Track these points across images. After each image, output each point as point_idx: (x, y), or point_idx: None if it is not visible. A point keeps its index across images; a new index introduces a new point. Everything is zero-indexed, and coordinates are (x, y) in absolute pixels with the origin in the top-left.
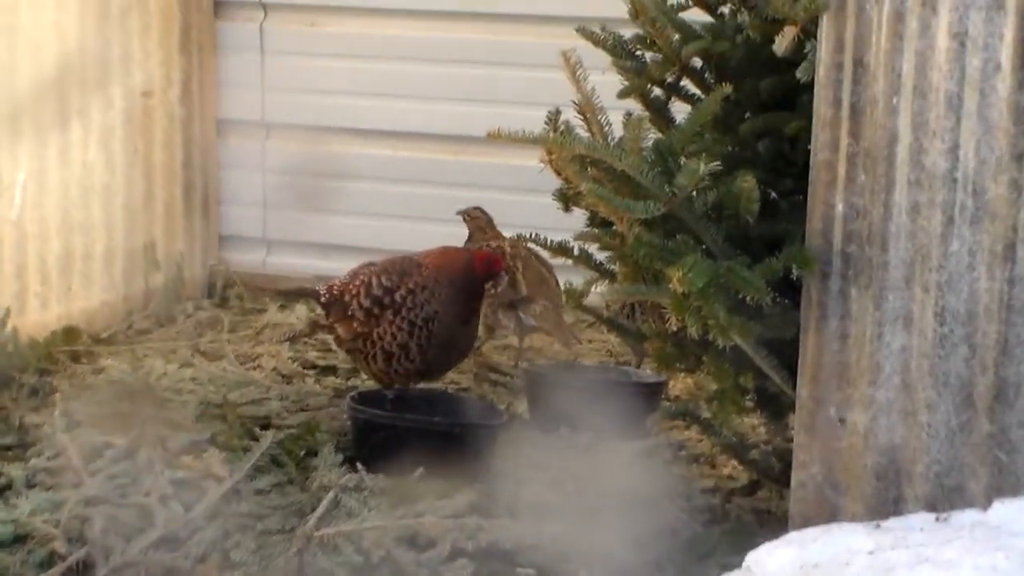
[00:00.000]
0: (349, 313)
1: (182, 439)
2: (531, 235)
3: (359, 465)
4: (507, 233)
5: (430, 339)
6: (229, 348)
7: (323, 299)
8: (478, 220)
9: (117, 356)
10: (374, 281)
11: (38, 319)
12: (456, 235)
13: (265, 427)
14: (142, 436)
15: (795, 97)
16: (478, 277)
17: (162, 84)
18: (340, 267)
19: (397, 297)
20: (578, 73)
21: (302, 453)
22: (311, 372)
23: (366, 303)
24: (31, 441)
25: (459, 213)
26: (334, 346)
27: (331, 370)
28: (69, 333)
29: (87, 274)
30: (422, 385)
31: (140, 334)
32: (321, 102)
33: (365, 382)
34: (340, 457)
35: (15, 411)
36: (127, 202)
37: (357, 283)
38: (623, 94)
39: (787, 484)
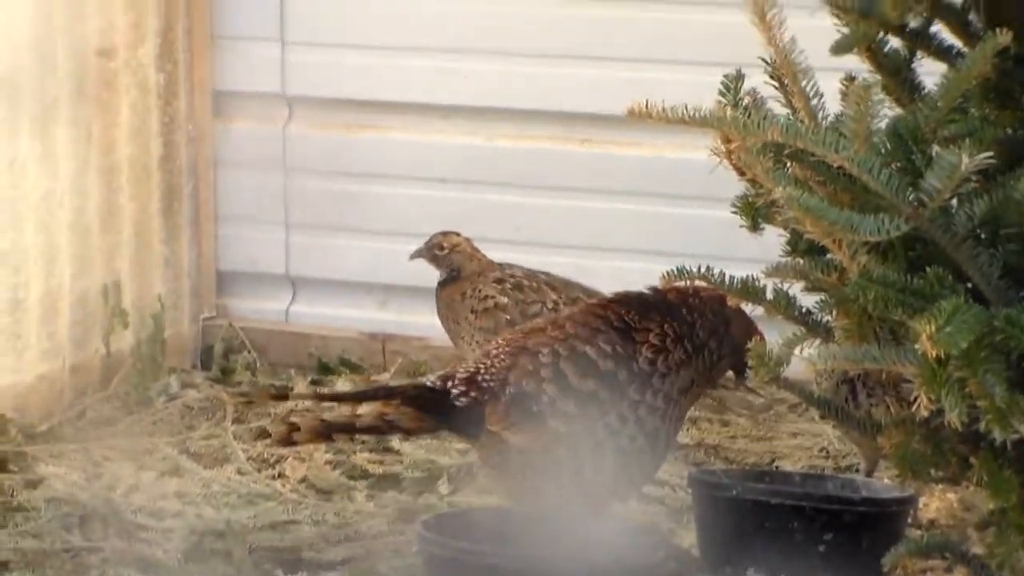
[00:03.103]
0: (536, 410)
1: None
2: (698, 268)
3: None
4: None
5: (678, 421)
6: (235, 447)
7: (459, 399)
8: (460, 247)
9: (62, 460)
10: (589, 351)
11: None
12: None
13: (292, 568)
14: None
15: None
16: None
17: (129, 37)
18: (408, 320)
19: (642, 364)
20: (771, 16)
21: None
22: (361, 484)
23: (589, 386)
24: None
25: (427, 247)
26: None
27: (391, 481)
28: None
29: (16, 332)
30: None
31: (98, 426)
32: (372, 64)
33: (446, 497)
34: None
35: None
36: (76, 220)
37: (540, 361)
38: (841, 48)
39: None
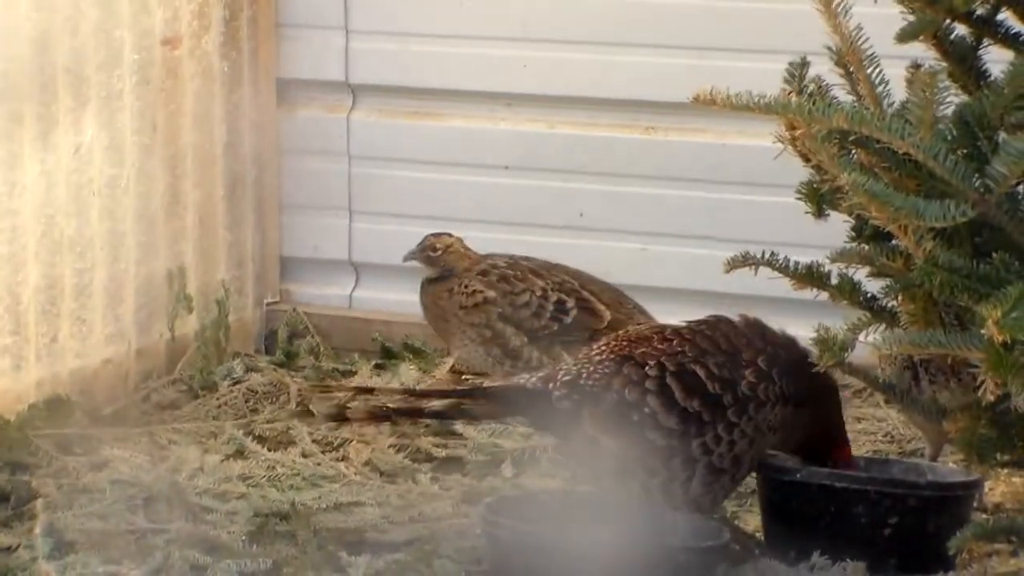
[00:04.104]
0: (634, 419)
1: (228, 569)
2: (763, 254)
3: None
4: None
5: (760, 454)
6: (300, 429)
7: (560, 402)
8: (452, 247)
9: (127, 443)
10: (698, 370)
11: (8, 386)
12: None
13: (356, 550)
14: (167, 565)
15: None
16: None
17: (193, 27)
18: None
19: (744, 388)
20: (837, 4)
21: None
22: (425, 466)
23: (694, 405)
24: None
25: (420, 249)
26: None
27: (455, 463)
28: (55, 408)
29: (82, 317)
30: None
31: (162, 409)
32: (436, 52)
33: (510, 480)
34: None
35: None
36: (142, 207)
37: (645, 373)
38: (906, 35)
39: None
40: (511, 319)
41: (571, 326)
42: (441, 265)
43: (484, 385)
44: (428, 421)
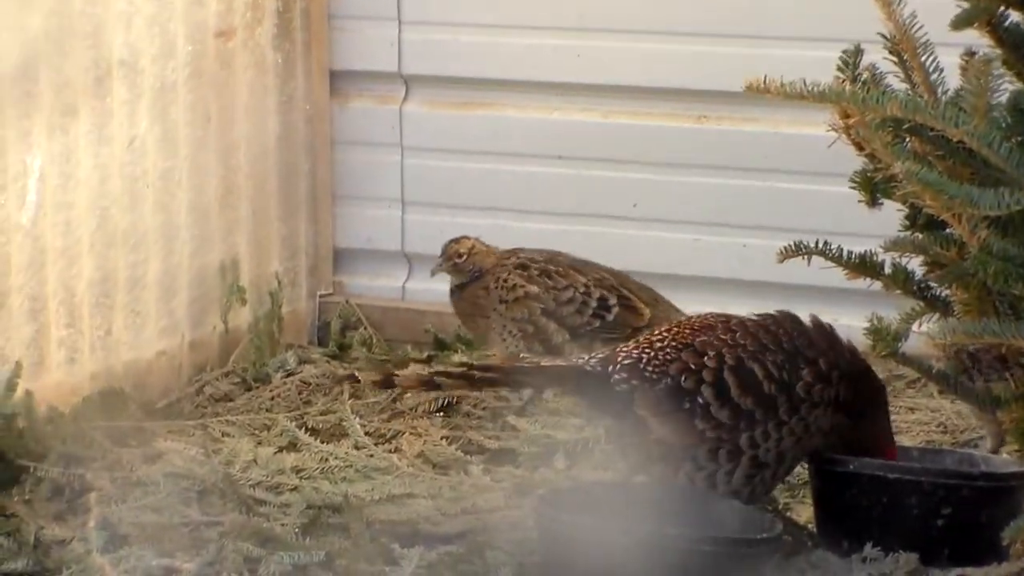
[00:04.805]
0: (686, 406)
1: (281, 561)
2: (816, 243)
3: None
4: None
5: (805, 453)
6: (352, 422)
7: (619, 385)
8: (475, 248)
9: (181, 435)
10: (756, 368)
11: (63, 379)
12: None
13: (409, 542)
14: (220, 557)
15: None
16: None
17: (246, 19)
18: None
19: (799, 389)
20: None
21: None
22: (477, 458)
23: (747, 402)
24: (53, 567)
25: (446, 259)
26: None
27: (507, 455)
28: (109, 400)
29: (136, 310)
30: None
31: (216, 401)
32: (488, 42)
33: (562, 472)
34: None
35: (30, 520)
36: (195, 199)
37: (704, 364)
38: (961, 22)
39: None
40: (554, 315)
41: (612, 323)
42: (469, 269)
43: (541, 363)
44: (480, 413)
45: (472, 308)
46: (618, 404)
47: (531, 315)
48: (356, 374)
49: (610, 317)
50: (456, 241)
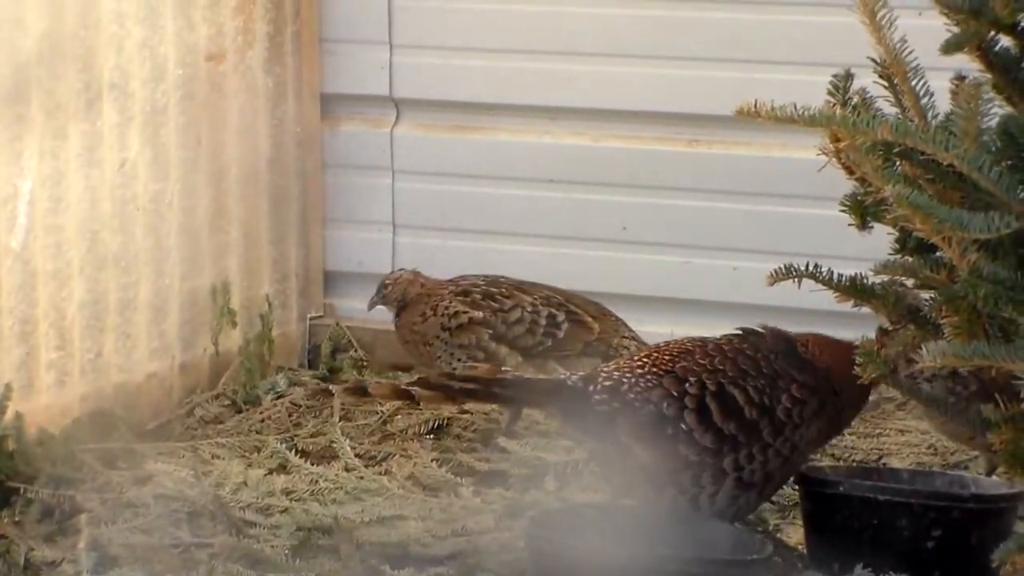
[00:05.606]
0: (669, 432)
1: None
2: (806, 266)
3: None
4: None
5: (795, 468)
6: (343, 443)
7: (599, 406)
8: (400, 279)
9: (171, 457)
10: (737, 394)
11: (53, 401)
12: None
13: (399, 564)
14: None
15: None
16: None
17: (237, 42)
18: None
19: (780, 413)
20: (881, 16)
21: None
22: (467, 480)
23: (730, 427)
24: None
25: (379, 294)
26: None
27: (497, 477)
28: (100, 422)
29: (126, 332)
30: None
31: (206, 423)
32: (479, 66)
33: (552, 494)
34: None
35: (20, 542)
36: (186, 222)
37: (685, 390)
38: (951, 47)
39: None
40: (504, 338)
41: (564, 340)
42: (395, 299)
43: (523, 376)
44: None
45: (409, 335)
46: (598, 424)
47: (479, 341)
48: (330, 388)
49: (561, 334)
50: (389, 275)
